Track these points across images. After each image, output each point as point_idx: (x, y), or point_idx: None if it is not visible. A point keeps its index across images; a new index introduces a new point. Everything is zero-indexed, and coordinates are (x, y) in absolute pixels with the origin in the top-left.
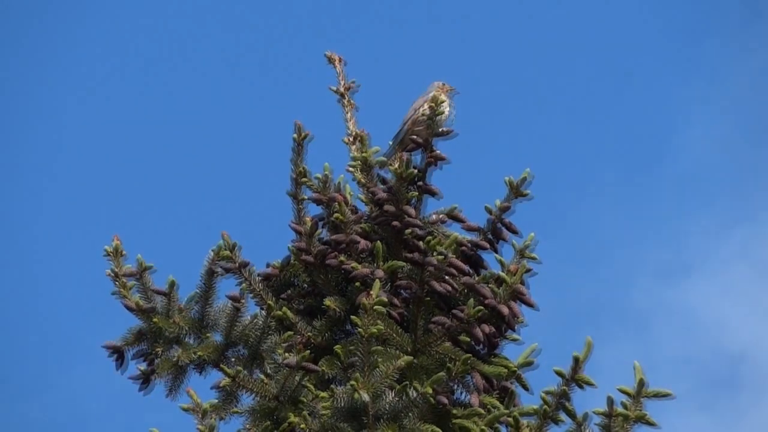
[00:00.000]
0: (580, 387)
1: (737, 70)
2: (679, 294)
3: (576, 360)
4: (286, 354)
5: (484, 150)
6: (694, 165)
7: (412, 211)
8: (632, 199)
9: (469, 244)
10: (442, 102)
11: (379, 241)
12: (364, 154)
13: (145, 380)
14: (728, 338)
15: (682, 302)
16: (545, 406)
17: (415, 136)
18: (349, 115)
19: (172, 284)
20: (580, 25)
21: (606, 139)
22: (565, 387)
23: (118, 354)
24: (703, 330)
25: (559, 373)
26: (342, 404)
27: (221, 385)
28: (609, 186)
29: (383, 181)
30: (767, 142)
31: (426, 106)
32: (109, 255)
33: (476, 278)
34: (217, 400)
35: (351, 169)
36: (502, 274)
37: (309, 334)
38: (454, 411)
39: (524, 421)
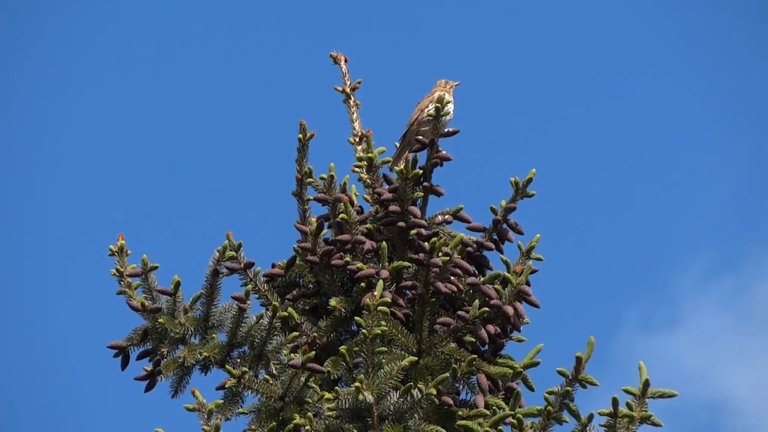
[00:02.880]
0: (583, 387)
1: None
2: (662, 344)
3: (578, 360)
4: (292, 354)
5: (488, 148)
6: (679, 214)
7: (417, 211)
8: (619, 248)
9: (474, 245)
10: (448, 102)
11: (384, 242)
12: (369, 155)
13: (151, 380)
14: (710, 387)
15: (665, 352)
16: (548, 407)
17: (420, 137)
18: (354, 115)
19: (177, 284)
20: (582, 22)
21: (596, 181)
22: (568, 387)
23: (123, 354)
24: (685, 379)
25: (561, 373)
26: (346, 405)
27: (226, 385)
28: (594, 234)
29: (388, 182)
30: (754, 195)
31: (431, 107)
32: (114, 254)
33: (481, 279)
34: (222, 400)
35: (357, 169)
36: (507, 275)
37: (314, 334)
38: (459, 412)
39: (528, 422)
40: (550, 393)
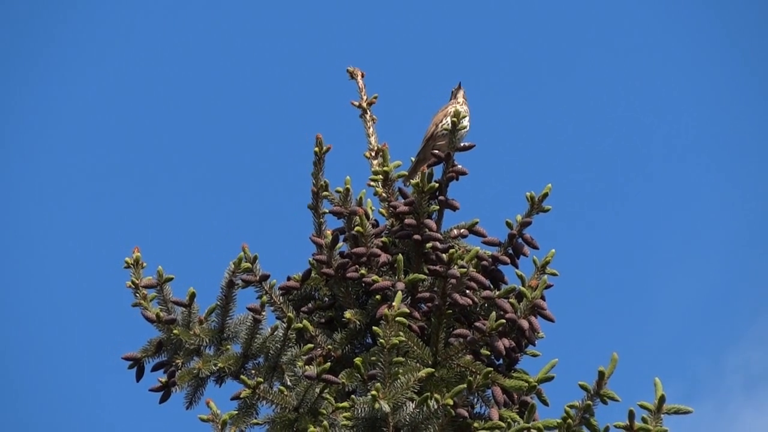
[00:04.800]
0: (604, 402)
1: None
2: None
3: (601, 374)
4: (306, 366)
5: (503, 162)
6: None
7: (432, 224)
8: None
9: (490, 259)
10: (464, 117)
11: (399, 254)
12: (385, 168)
13: (165, 392)
14: None
15: None
16: (569, 420)
17: (436, 151)
18: (371, 129)
19: (192, 295)
20: (598, 35)
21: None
22: (589, 401)
23: (138, 365)
24: None
25: (583, 387)
26: (362, 414)
27: (241, 396)
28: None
29: (404, 195)
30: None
31: (447, 120)
32: (129, 266)
33: (496, 292)
34: (236, 411)
35: (372, 183)
36: (523, 289)
37: (329, 346)
38: (474, 424)
39: None
40: (570, 406)
